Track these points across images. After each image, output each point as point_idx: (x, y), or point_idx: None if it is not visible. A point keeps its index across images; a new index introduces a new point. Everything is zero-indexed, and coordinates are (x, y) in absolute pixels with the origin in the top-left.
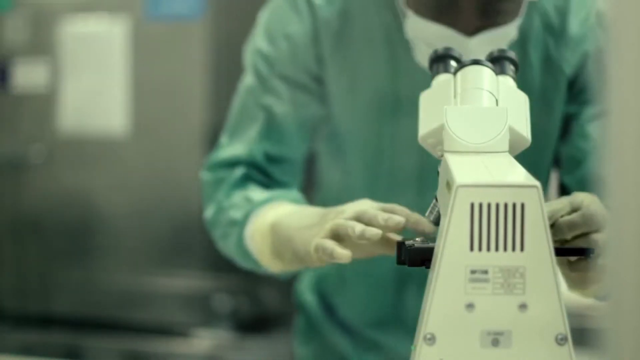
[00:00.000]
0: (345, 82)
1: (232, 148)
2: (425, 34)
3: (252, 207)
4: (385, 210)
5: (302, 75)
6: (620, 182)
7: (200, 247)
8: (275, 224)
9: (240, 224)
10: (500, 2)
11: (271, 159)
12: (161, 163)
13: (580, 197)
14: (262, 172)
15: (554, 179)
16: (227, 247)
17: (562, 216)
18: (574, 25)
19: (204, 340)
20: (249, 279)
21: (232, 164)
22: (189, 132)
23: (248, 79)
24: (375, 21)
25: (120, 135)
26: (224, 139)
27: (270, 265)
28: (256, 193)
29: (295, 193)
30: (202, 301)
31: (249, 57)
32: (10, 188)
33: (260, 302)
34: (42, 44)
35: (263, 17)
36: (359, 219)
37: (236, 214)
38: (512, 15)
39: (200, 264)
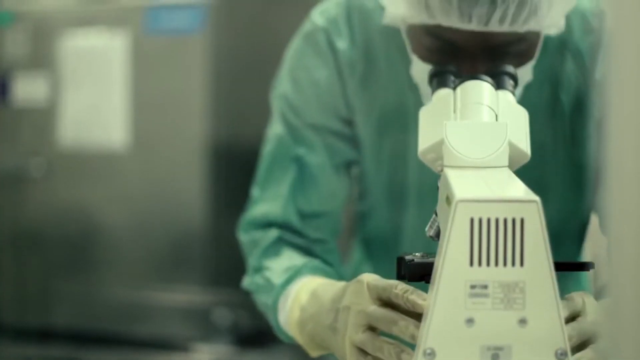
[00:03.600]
0: (373, 124)
1: (265, 205)
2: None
3: (276, 294)
4: (385, 300)
5: (332, 122)
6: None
7: (199, 260)
8: (301, 323)
9: (273, 309)
10: (508, 44)
11: (305, 216)
12: (161, 176)
13: (579, 304)
14: (297, 232)
15: None
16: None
17: (578, 315)
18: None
19: (204, 354)
20: (249, 293)
21: (265, 224)
22: (188, 146)
23: (277, 128)
24: (398, 62)
25: (120, 149)
26: (255, 191)
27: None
28: (276, 272)
29: (316, 262)
30: (202, 315)
31: (276, 103)
32: (11, 201)
33: (260, 316)
34: (42, 58)
35: (286, 61)
36: (373, 325)
37: (266, 299)
38: (524, 58)
39: (200, 277)
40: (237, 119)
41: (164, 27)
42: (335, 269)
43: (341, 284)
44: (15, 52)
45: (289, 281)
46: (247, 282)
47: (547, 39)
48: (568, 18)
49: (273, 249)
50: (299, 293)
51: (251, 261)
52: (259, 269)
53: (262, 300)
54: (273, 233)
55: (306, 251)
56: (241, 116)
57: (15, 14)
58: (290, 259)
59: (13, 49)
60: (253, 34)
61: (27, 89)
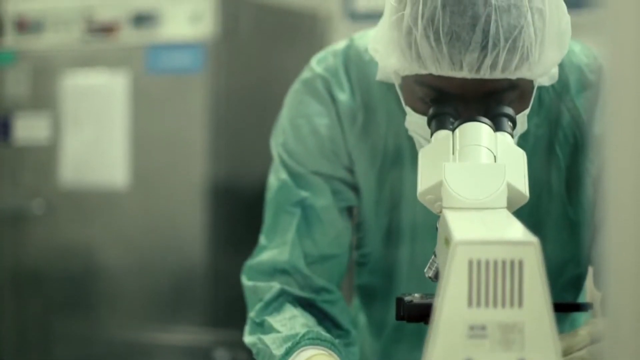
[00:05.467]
0: (373, 174)
1: (271, 251)
2: (423, 131)
3: None
4: None
5: (335, 169)
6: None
7: (200, 300)
8: None
9: None
10: (501, 92)
11: (312, 261)
12: (162, 216)
13: (600, 330)
14: (302, 278)
15: None
16: None
17: (579, 349)
18: (599, 124)
19: None
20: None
21: (271, 271)
22: (189, 185)
23: (280, 175)
24: (397, 113)
25: (121, 188)
26: (262, 239)
27: None
28: (276, 341)
29: (315, 332)
30: (202, 355)
31: (276, 150)
32: (12, 240)
33: None
34: (43, 97)
35: (286, 108)
36: None
37: None
38: (518, 107)
39: (200, 317)
40: (237, 158)
41: (164, 67)
42: (337, 320)
43: None
44: (16, 92)
45: (289, 353)
46: (248, 339)
47: (544, 93)
48: (564, 73)
49: (275, 303)
50: None
51: (252, 313)
52: (260, 324)
53: None
54: (276, 286)
55: (309, 304)
56: (241, 155)
57: (16, 53)
58: (291, 320)
59: (14, 88)
60: (253, 73)
61: (28, 128)
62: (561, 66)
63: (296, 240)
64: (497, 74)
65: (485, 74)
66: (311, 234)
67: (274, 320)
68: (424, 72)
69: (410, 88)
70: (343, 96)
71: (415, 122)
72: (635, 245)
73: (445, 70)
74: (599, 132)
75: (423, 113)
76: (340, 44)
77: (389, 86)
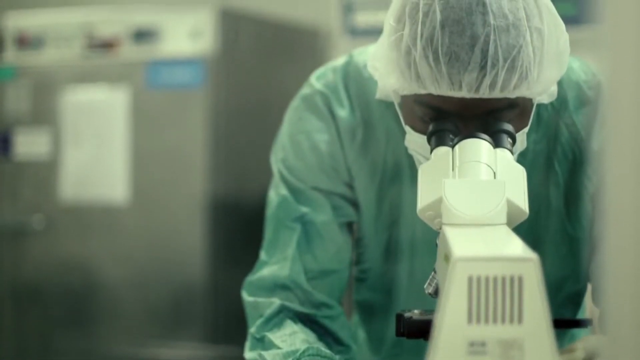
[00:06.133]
0: (373, 190)
1: (272, 267)
2: (423, 150)
3: None
4: None
5: (335, 185)
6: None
7: (200, 316)
8: None
9: None
10: (500, 111)
11: (312, 277)
12: (161, 231)
13: (592, 345)
14: (303, 293)
15: None
16: None
17: None
18: (598, 140)
19: None
20: None
21: (272, 287)
22: (189, 200)
23: (280, 191)
24: (396, 130)
25: (121, 203)
26: (262, 255)
27: None
28: (277, 357)
29: (315, 348)
30: None
31: (276, 166)
32: (12, 255)
33: None
34: (43, 113)
35: (285, 125)
36: None
37: None
38: (518, 125)
39: (200, 333)
40: (236, 174)
41: (164, 82)
42: (338, 335)
43: None
44: (16, 107)
45: None
46: (248, 355)
47: (543, 110)
48: (563, 89)
49: (276, 319)
50: None
51: (253, 329)
52: (260, 340)
53: None
54: (276, 301)
55: (309, 319)
56: (241, 171)
57: (17, 69)
58: (291, 336)
59: (15, 104)
60: (253, 89)
61: (29, 144)
62: (560, 83)
63: (297, 255)
64: (496, 94)
65: (484, 93)
66: (311, 249)
67: (275, 336)
68: (423, 92)
69: (409, 107)
70: (343, 112)
71: (414, 141)
72: (634, 261)
73: (444, 90)
74: (597, 147)
75: (422, 132)
76: (339, 61)
77: (388, 104)
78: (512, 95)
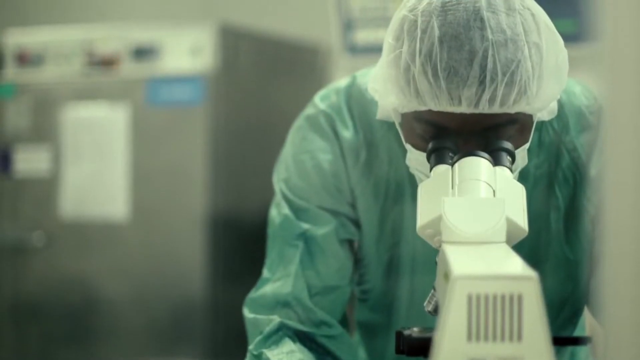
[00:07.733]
0: (376, 210)
1: (274, 284)
2: (424, 168)
3: None
4: None
5: (338, 203)
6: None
7: (199, 333)
8: None
9: None
10: (500, 126)
11: (315, 293)
12: (161, 248)
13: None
14: (304, 310)
15: None
16: None
17: None
18: (597, 165)
19: None
20: None
21: (273, 304)
22: (189, 217)
23: (282, 210)
24: (398, 151)
25: (121, 221)
26: (265, 272)
27: None
28: None
29: None
30: None
31: (279, 186)
32: (12, 271)
33: None
34: (43, 130)
35: (288, 144)
36: None
37: None
38: (518, 142)
39: (199, 350)
40: (236, 191)
41: (164, 100)
42: (336, 355)
43: None
44: (17, 124)
45: None
46: None
47: (544, 134)
48: (565, 114)
49: (274, 337)
50: None
51: (252, 346)
52: (258, 357)
53: None
54: (276, 319)
55: (309, 338)
56: (241, 188)
57: (17, 86)
58: (289, 354)
59: (15, 121)
60: (253, 106)
61: (29, 161)
62: (562, 107)
63: (299, 271)
64: (496, 109)
65: (483, 108)
66: (314, 265)
67: (272, 354)
68: (423, 108)
69: (409, 125)
70: (346, 133)
71: (415, 159)
72: (633, 283)
73: (444, 105)
74: (597, 171)
75: (423, 150)
76: (342, 82)
77: (390, 125)
78: (512, 110)
